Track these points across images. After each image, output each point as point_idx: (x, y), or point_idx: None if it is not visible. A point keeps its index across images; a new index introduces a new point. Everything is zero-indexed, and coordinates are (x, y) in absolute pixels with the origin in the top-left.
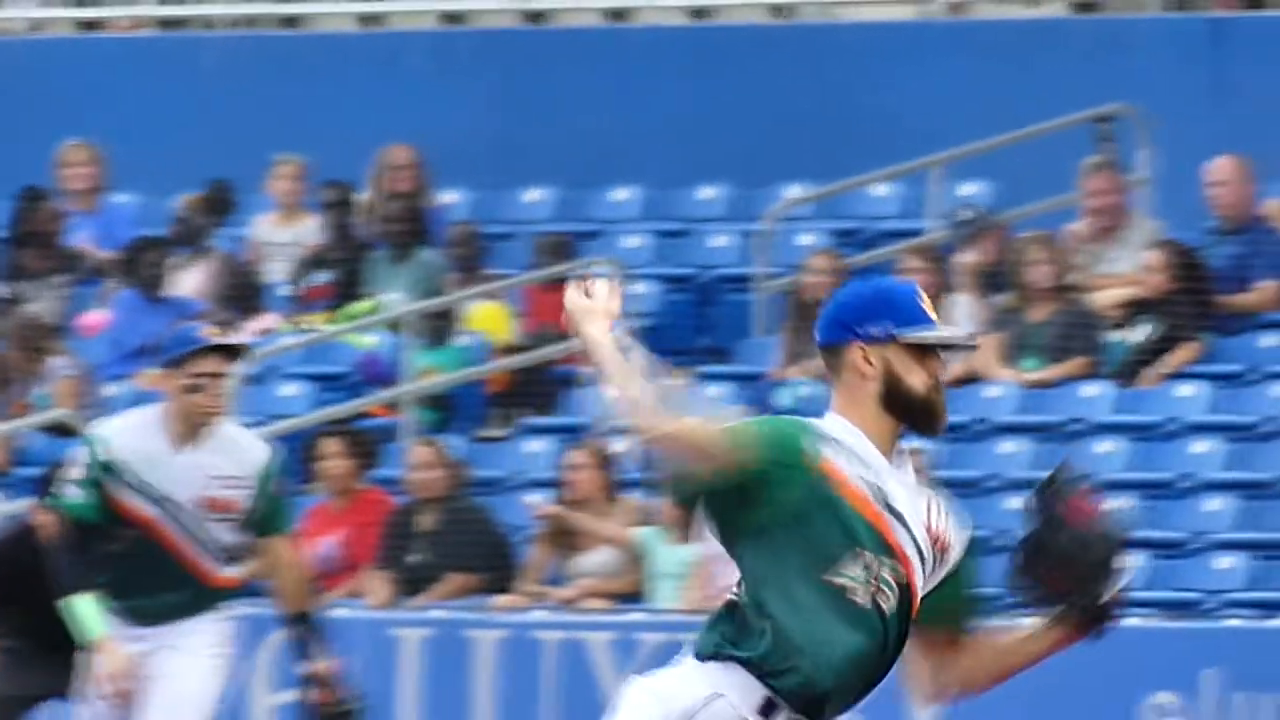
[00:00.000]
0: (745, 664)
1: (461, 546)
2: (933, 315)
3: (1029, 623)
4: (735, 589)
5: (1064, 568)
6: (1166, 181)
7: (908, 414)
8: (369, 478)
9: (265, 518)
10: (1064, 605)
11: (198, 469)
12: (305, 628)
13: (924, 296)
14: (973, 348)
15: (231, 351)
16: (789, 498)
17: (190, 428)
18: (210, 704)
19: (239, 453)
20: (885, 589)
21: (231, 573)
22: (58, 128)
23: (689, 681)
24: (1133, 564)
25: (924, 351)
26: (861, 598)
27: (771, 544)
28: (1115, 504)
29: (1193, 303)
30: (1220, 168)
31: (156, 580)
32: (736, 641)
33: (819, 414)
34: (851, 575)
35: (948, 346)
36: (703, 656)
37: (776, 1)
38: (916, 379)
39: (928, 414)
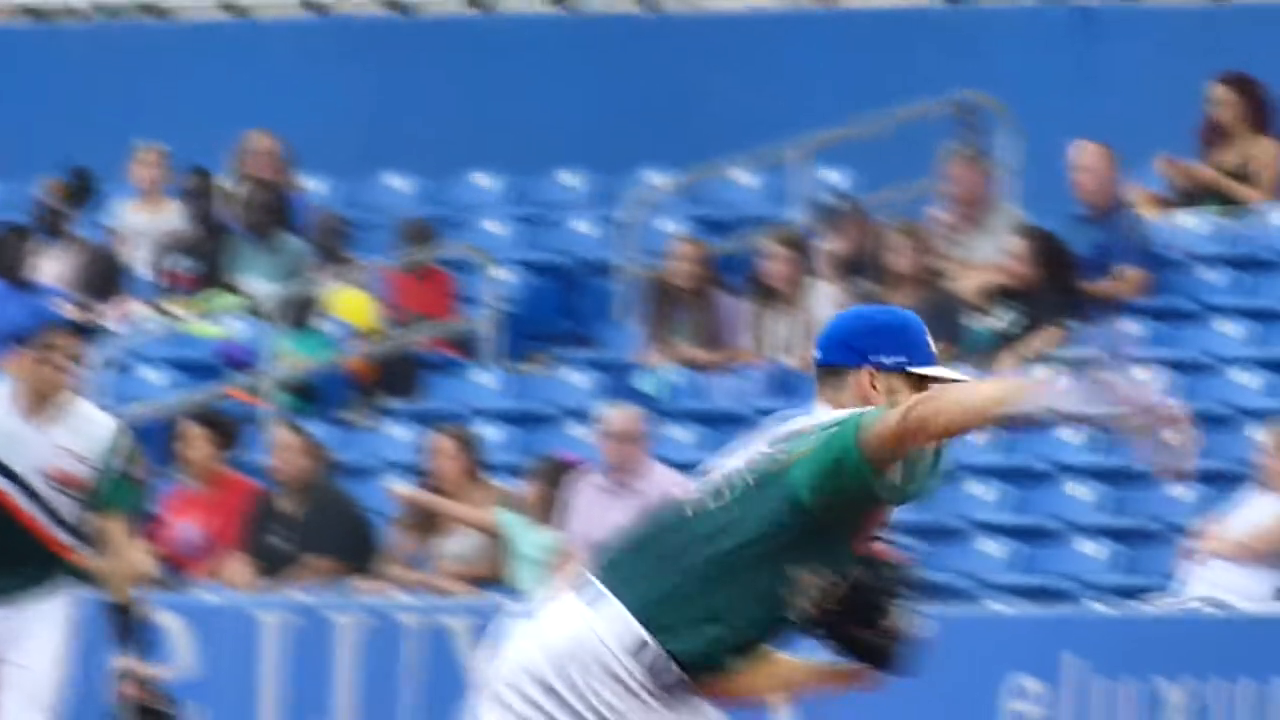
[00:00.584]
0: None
1: (323, 531)
2: (934, 349)
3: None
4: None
5: (849, 599)
6: (1030, 169)
7: None
8: (231, 462)
9: (105, 496)
10: (847, 639)
11: (46, 441)
12: (124, 620)
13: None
14: (966, 382)
15: (82, 329)
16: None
17: (39, 400)
18: (58, 689)
19: (88, 429)
20: (819, 604)
21: (84, 552)
22: None
23: (570, 616)
24: (919, 610)
25: (922, 384)
26: (796, 610)
27: (807, 532)
28: (903, 550)
29: (1055, 289)
30: (1084, 153)
31: (6, 552)
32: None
33: (681, 401)
34: (807, 588)
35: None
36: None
37: None
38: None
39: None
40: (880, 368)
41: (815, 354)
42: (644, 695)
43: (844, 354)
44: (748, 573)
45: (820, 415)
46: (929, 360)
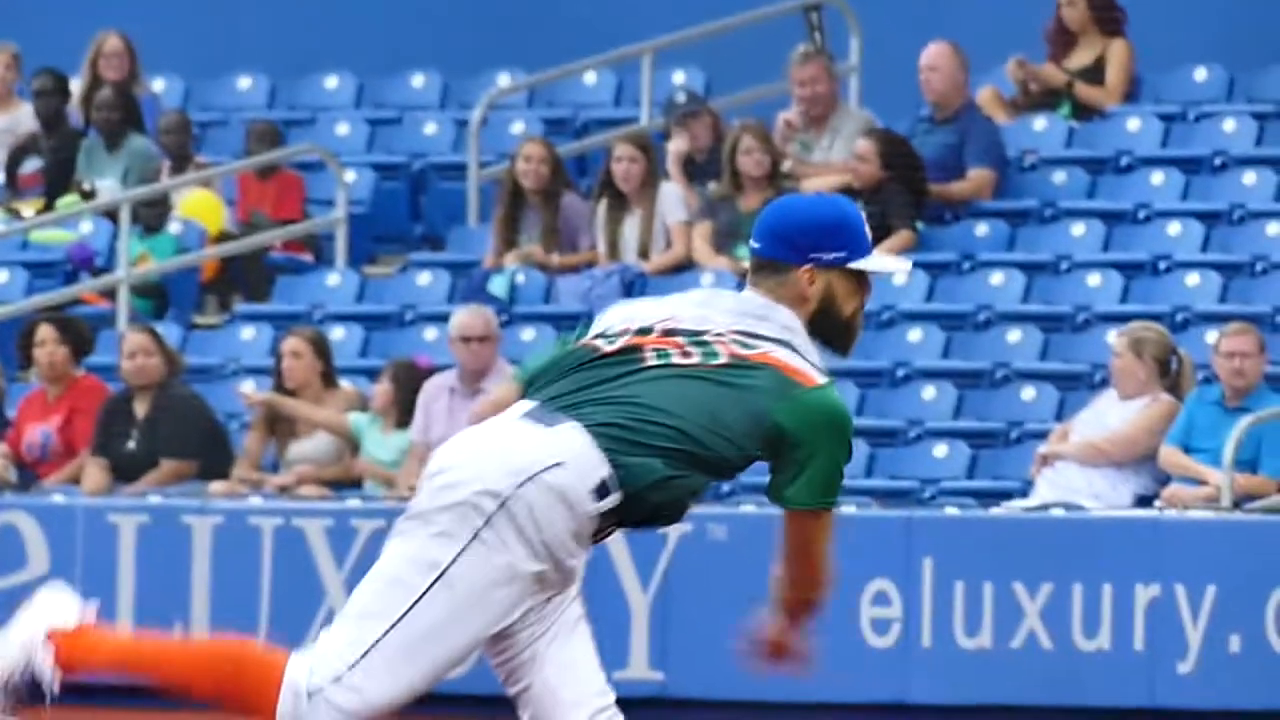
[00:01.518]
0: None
1: (176, 433)
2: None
3: None
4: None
5: None
6: (878, 71)
7: (831, 335)
8: (84, 365)
9: None
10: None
11: None
12: None
13: (866, 219)
14: (908, 269)
15: None
16: None
17: None
18: None
19: None
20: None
21: None
22: None
23: (538, 442)
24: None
25: (861, 278)
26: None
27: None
28: None
29: (904, 191)
30: (933, 54)
31: None
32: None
33: (530, 302)
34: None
35: (885, 274)
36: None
37: None
38: (849, 304)
39: (848, 337)
40: (819, 264)
41: (755, 244)
42: (582, 536)
43: (785, 250)
44: (710, 438)
45: (775, 315)
46: (867, 251)
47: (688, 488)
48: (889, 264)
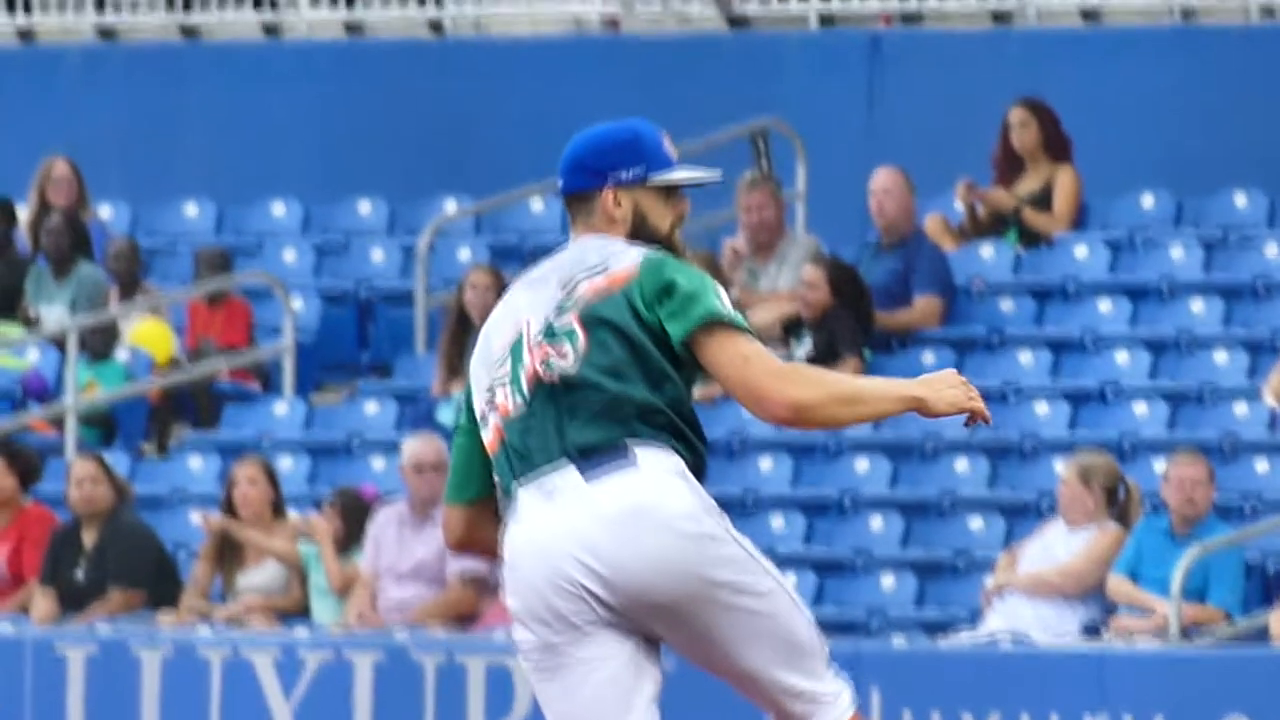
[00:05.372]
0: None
1: (126, 563)
2: (675, 155)
3: None
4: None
5: None
6: (823, 197)
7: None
8: (31, 494)
9: None
10: None
11: None
12: None
13: (666, 135)
14: (717, 182)
15: None
16: None
17: None
18: None
19: None
20: None
21: None
22: None
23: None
24: None
25: (670, 192)
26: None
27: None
28: None
29: (852, 318)
30: (884, 178)
31: None
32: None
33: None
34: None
35: (689, 184)
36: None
37: (430, 17)
38: (662, 219)
39: (671, 251)
40: (620, 184)
41: (560, 184)
42: None
43: (584, 178)
44: (656, 395)
45: (588, 244)
46: (668, 165)
47: (694, 463)
48: (693, 174)
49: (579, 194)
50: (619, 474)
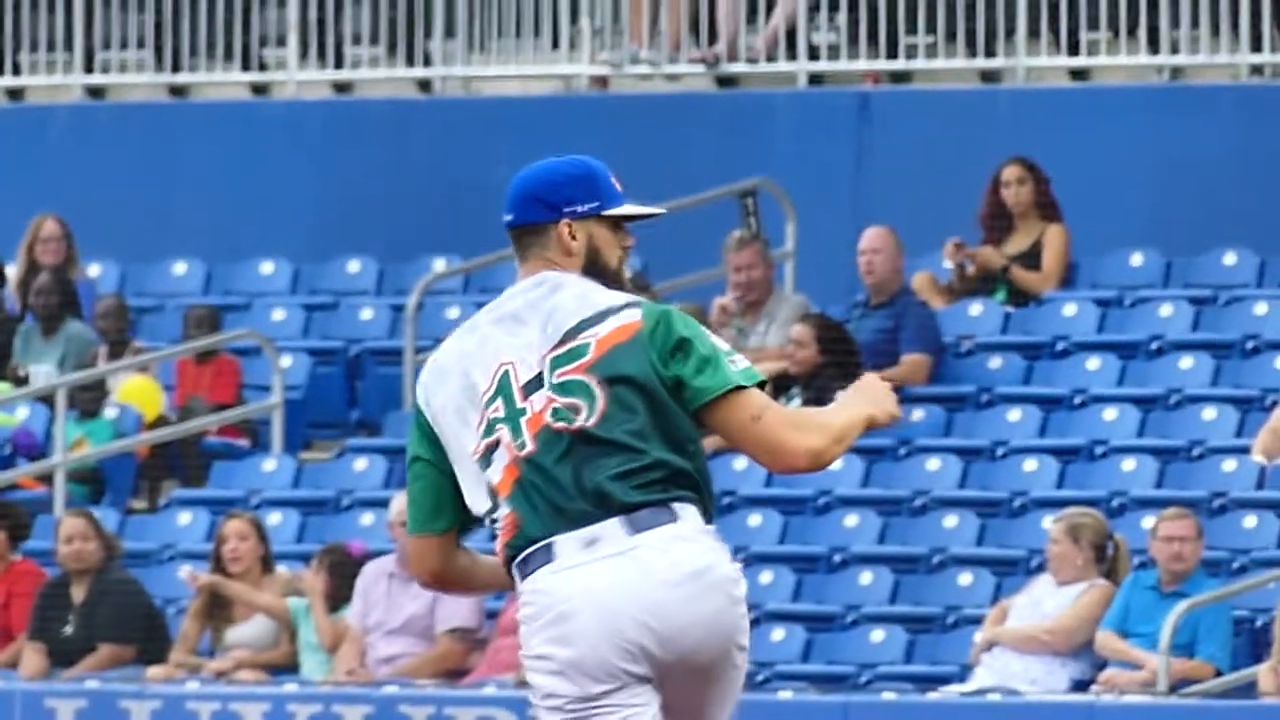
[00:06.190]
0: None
1: (115, 618)
2: (621, 189)
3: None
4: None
5: None
6: (812, 255)
7: (601, 282)
8: (20, 550)
9: None
10: None
11: None
12: None
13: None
14: (662, 214)
15: None
16: None
17: None
18: None
19: None
20: None
21: None
22: None
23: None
24: None
25: (617, 226)
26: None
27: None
28: None
29: (841, 377)
30: (874, 237)
31: None
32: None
33: None
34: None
35: (640, 218)
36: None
37: (419, 75)
38: (613, 252)
39: (618, 282)
40: (576, 216)
41: (508, 216)
42: None
43: (539, 211)
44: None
45: (559, 282)
46: (619, 200)
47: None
48: (644, 209)
49: (530, 226)
50: (660, 530)
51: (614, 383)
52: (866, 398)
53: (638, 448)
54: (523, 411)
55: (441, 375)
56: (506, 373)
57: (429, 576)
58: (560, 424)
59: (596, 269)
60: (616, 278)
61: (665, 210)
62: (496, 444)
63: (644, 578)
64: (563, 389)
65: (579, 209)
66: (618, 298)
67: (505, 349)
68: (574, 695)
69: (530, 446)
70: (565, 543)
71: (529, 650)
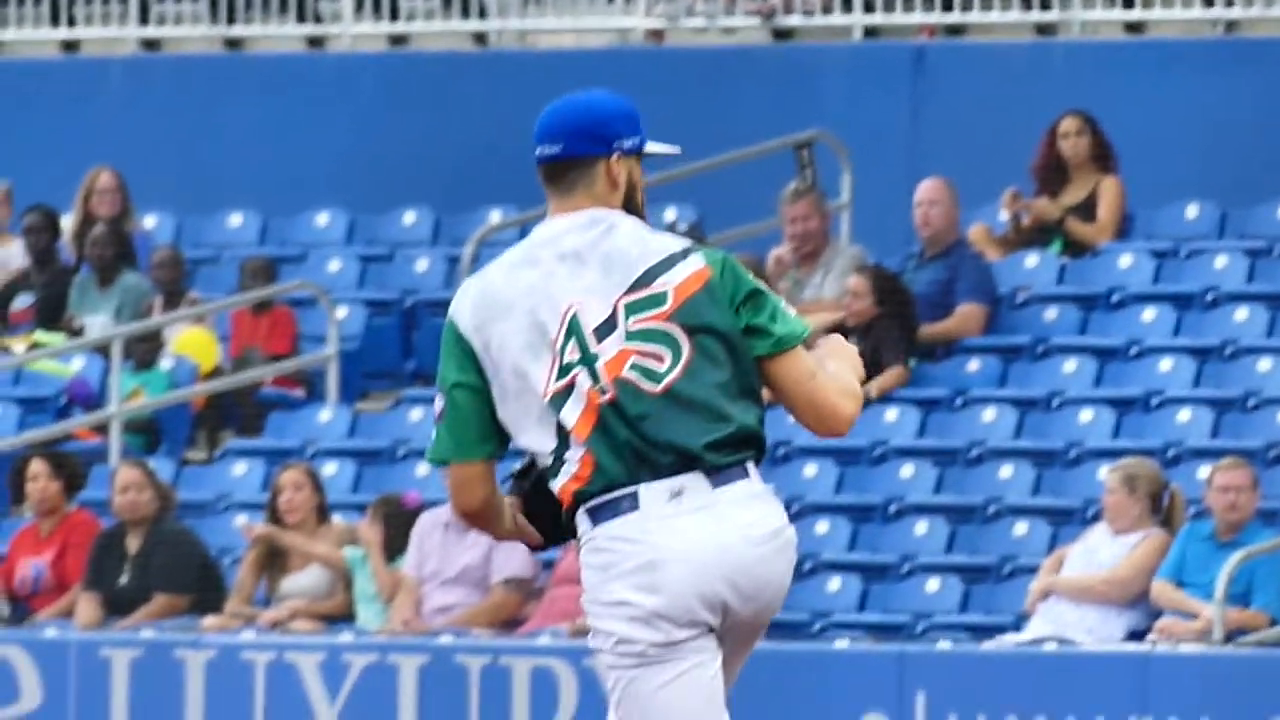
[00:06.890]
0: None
1: (170, 568)
2: None
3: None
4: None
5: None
6: (867, 207)
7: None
8: (76, 500)
9: None
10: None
11: None
12: None
13: None
14: (678, 153)
15: None
16: None
17: None
18: None
19: None
20: None
21: None
22: None
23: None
24: None
25: (638, 159)
26: None
27: None
28: None
29: (897, 328)
30: (930, 188)
31: None
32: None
33: None
34: None
35: (659, 155)
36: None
37: (474, 29)
38: (640, 189)
39: (642, 218)
40: (624, 152)
41: (552, 149)
42: None
43: (589, 145)
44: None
45: (612, 222)
46: (647, 134)
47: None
48: (668, 147)
49: (578, 160)
50: (736, 486)
51: (696, 332)
52: (850, 363)
53: (723, 410)
54: (597, 356)
55: (504, 307)
56: (576, 315)
57: (479, 504)
58: (647, 381)
59: (633, 206)
60: (642, 216)
61: (680, 150)
62: (571, 386)
63: (733, 534)
64: (644, 336)
65: (625, 145)
66: (675, 241)
67: (569, 290)
68: (655, 641)
69: (611, 392)
70: (651, 492)
71: (604, 596)
